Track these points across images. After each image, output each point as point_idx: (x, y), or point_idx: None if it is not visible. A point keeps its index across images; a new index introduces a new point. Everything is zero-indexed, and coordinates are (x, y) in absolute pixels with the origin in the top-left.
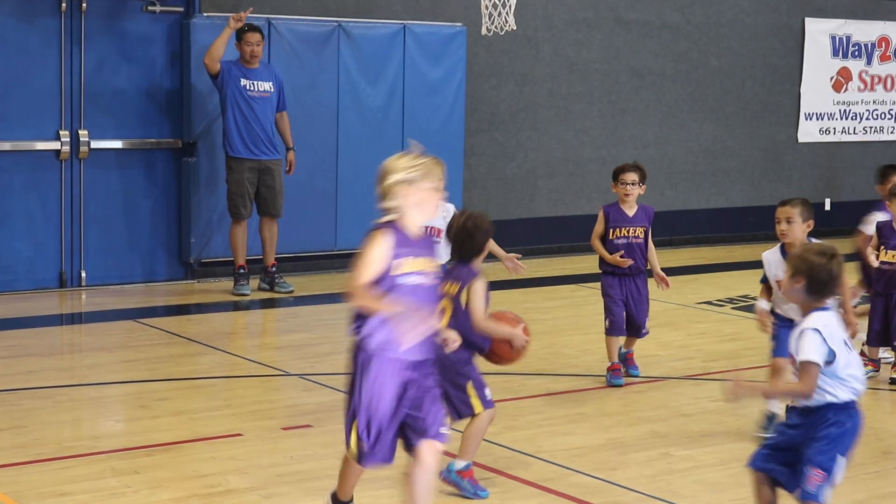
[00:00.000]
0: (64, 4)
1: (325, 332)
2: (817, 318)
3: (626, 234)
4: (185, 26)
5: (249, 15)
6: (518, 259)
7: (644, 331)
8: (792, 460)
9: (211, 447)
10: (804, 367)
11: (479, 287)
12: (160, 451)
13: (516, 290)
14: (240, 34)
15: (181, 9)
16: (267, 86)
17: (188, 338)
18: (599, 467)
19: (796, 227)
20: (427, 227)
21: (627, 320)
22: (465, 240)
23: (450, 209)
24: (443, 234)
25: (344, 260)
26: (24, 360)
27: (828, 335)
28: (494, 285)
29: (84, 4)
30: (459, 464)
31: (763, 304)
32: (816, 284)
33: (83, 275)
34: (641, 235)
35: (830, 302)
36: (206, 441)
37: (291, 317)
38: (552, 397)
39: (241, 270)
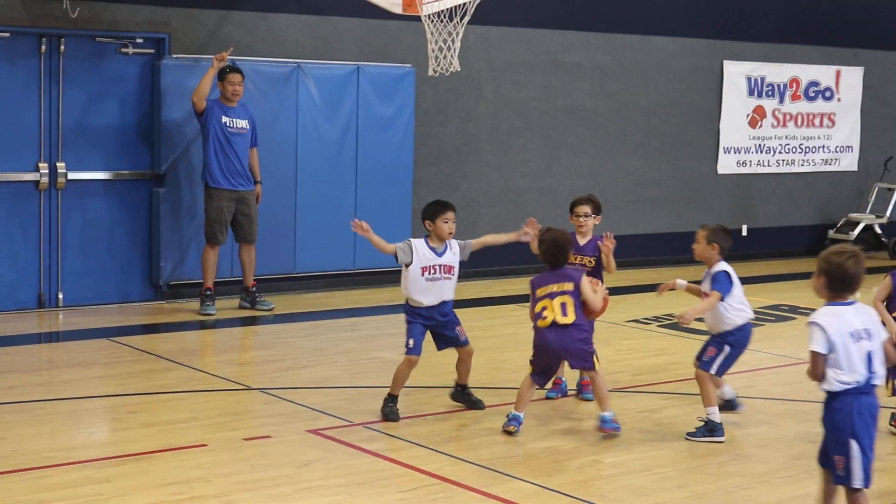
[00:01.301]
0: (44, 46)
1: (285, 349)
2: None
3: (574, 262)
4: (156, 67)
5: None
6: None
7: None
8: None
9: (178, 457)
10: (809, 357)
11: (587, 281)
12: (131, 461)
13: (460, 310)
14: (222, 74)
15: (152, 51)
16: (244, 123)
17: (158, 355)
18: (536, 473)
19: (700, 248)
20: (441, 266)
21: None
22: (559, 251)
23: (455, 246)
24: (454, 271)
25: (301, 282)
26: (5, 376)
27: (829, 327)
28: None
29: (62, 46)
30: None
31: (680, 282)
32: (836, 281)
33: (60, 296)
34: (592, 264)
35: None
36: (173, 451)
37: (253, 335)
38: (493, 409)
39: (208, 292)
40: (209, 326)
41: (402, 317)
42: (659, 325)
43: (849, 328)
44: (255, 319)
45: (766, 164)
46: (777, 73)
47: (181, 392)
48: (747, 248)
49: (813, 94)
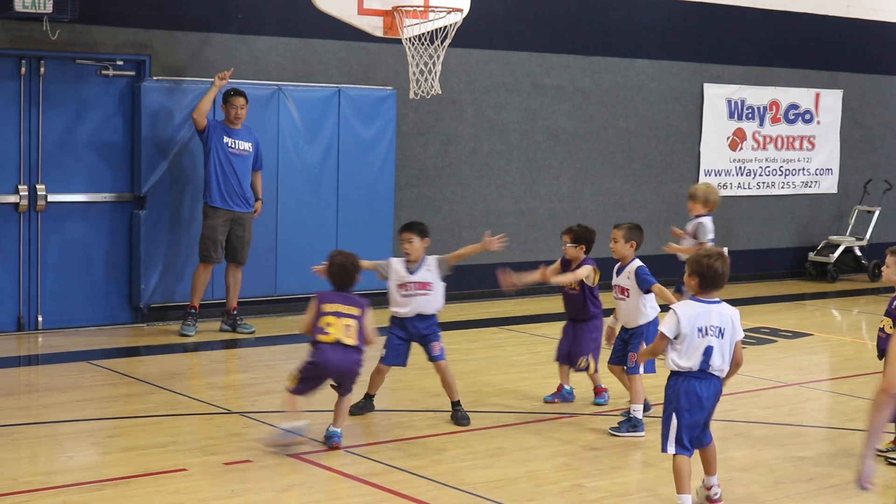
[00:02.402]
0: (24, 68)
1: (265, 373)
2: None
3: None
4: (137, 89)
5: (197, 78)
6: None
7: (579, 367)
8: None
9: (158, 482)
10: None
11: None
12: (110, 486)
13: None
14: (225, 97)
15: (133, 73)
16: (247, 145)
17: (138, 378)
18: (517, 498)
19: (619, 246)
20: (414, 283)
21: (568, 354)
22: (346, 275)
23: (432, 262)
24: (431, 286)
25: (283, 304)
26: None
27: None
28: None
29: (42, 68)
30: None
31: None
32: (706, 280)
33: (40, 319)
34: (576, 288)
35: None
36: (153, 476)
37: (233, 358)
38: (474, 433)
39: (192, 311)
40: (190, 349)
41: (383, 339)
42: None
43: (700, 323)
44: (236, 342)
45: (746, 186)
46: (757, 95)
47: (161, 416)
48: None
49: (793, 117)
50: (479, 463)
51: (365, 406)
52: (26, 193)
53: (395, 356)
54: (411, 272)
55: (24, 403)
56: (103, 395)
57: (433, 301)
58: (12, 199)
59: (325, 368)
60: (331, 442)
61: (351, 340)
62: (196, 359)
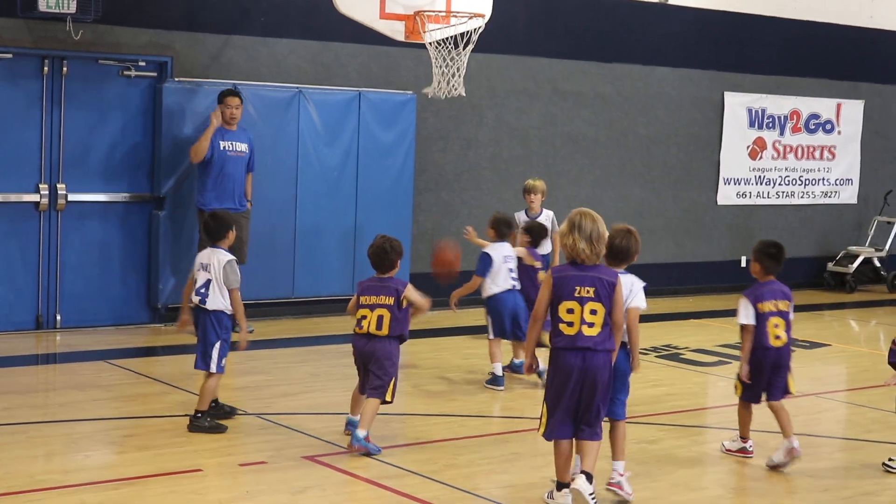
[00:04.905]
0: (46, 68)
1: (281, 375)
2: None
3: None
4: (158, 90)
5: (218, 80)
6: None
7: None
8: None
9: (173, 482)
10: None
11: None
12: (126, 485)
13: (458, 337)
14: (221, 97)
15: (155, 74)
16: (242, 146)
17: (154, 378)
18: None
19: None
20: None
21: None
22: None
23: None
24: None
25: (300, 307)
26: (1, 397)
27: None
28: (437, 332)
29: (65, 68)
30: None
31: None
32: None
33: (58, 318)
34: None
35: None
36: (168, 476)
37: (250, 360)
38: (489, 437)
39: None
40: None
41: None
42: (657, 356)
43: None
44: (253, 343)
45: (765, 195)
46: (778, 105)
47: (177, 416)
48: (747, 279)
49: (813, 127)
50: (495, 468)
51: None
52: (47, 192)
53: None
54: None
55: (41, 402)
56: (120, 395)
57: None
58: (33, 197)
59: (357, 356)
60: (354, 442)
61: (382, 332)
62: None
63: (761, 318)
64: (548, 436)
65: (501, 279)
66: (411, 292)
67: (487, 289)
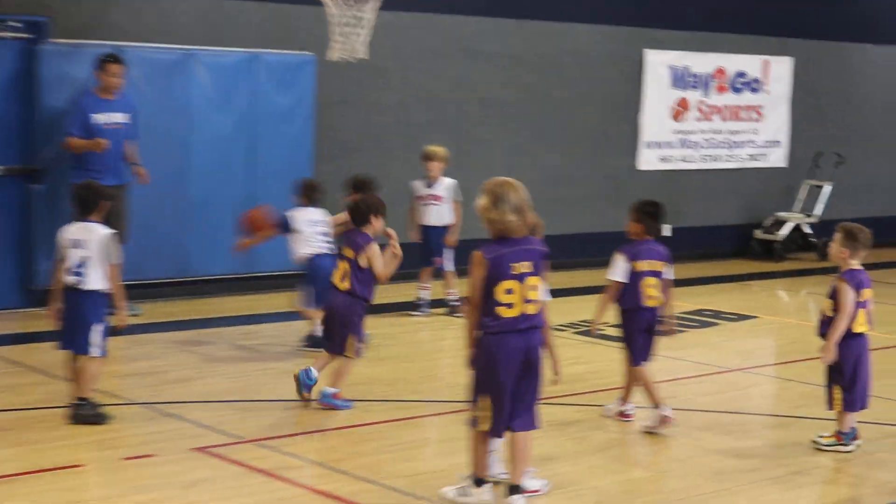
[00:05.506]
0: None
1: (171, 360)
2: None
3: None
4: (35, 53)
5: (100, 42)
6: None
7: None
8: None
9: (52, 479)
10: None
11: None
12: (0, 483)
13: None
14: (101, 64)
15: (31, 35)
16: (120, 117)
17: (31, 366)
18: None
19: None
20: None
21: None
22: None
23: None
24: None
25: (195, 286)
26: None
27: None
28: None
29: None
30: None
31: None
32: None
33: None
34: None
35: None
36: (46, 472)
37: (136, 345)
38: (397, 423)
39: None
40: None
41: (298, 325)
42: (575, 332)
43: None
44: (141, 327)
45: (690, 159)
46: (702, 62)
47: (56, 408)
48: (670, 249)
49: (739, 86)
50: (402, 455)
51: None
52: None
53: None
54: None
55: None
56: None
57: None
58: None
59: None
60: (308, 389)
61: (343, 285)
62: None
63: (636, 276)
64: (494, 432)
65: (314, 243)
66: (370, 256)
67: (300, 250)
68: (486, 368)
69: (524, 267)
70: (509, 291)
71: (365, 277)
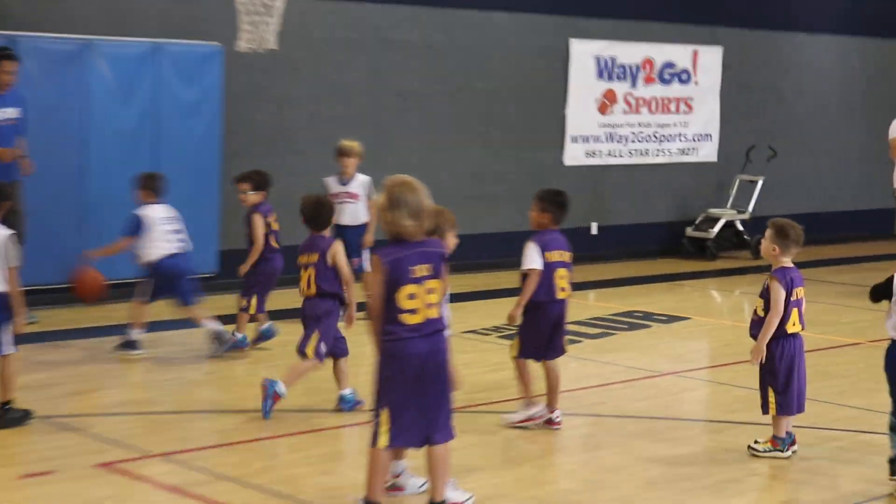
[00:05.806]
0: None
1: (70, 371)
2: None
3: None
4: None
5: (2, 31)
6: None
7: None
8: None
9: None
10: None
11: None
12: None
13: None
14: None
15: None
16: (11, 111)
17: None
18: None
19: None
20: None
21: None
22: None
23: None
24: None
25: None
26: None
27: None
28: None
29: None
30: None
31: None
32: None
33: None
34: None
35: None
36: None
37: (33, 354)
38: (311, 435)
39: None
40: None
41: (203, 332)
42: (499, 336)
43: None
44: (37, 335)
45: (617, 154)
46: (629, 53)
47: None
48: (597, 248)
49: (668, 77)
50: (317, 469)
51: None
52: None
53: None
54: None
55: None
56: None
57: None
58: None
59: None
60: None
61: (310, 291)
62: None
63: (548, 267)
64: (393, 442)
65: (166, 242)
66: (334, 257)
67: (147, 253)
68: (390, 378)
69: (424, 270)
70: (412, 297)
71: (332, 275)
